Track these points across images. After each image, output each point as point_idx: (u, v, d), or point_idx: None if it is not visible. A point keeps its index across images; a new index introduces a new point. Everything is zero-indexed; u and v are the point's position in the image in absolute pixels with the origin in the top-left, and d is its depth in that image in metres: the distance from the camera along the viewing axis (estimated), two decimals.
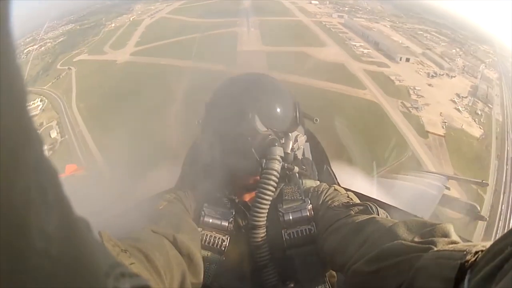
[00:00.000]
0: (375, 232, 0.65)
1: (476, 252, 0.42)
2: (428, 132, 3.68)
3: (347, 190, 0.93)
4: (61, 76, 3.72)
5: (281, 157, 0.84)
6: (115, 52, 4.17)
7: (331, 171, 1.20)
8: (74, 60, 4.10)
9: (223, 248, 0.85)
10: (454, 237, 0.53)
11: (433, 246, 0.51)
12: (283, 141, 0.90)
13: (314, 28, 5.26)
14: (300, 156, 0.99)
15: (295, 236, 0.85)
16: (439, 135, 3.61)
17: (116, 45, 4.44)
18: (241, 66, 3.91)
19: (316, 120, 1.01)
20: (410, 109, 3.86)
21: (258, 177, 0.84)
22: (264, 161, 0.83)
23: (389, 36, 5.39)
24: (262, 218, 0.84)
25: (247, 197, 0.92)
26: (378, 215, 0.76)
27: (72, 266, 0.18)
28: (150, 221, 0.77)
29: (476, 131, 3.65)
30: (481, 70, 4.96)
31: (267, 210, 0.83)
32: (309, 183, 0.97)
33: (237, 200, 0.91)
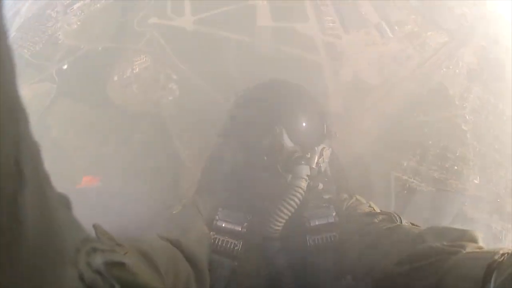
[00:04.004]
0: (405, 238, 0.67)
1: (503, 254, 0.46)
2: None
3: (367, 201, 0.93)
4: (147, 37, 4.20)
5: (307, 175, 0.84)
6: (179, 18, 4.72)
7: (350, 190, 1.11)
8: (148, 22, 4.56)
9: (236, 253, 0.84)
10: (481, 242, 0.58)
11: (462, 250, 0.54)
12: (309, 156, 0.89)
13: (307, 3, 5.87)
14: (323, 169, 0.97)
15: (320, 242, 0.84)
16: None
17: (176, 11, 4.98)
18: (262, 40, 4.63)
19: (335, 133, 0.99)
20: (337, 68, 4.49)
21: (282, 190, 0.83)
22: (290, 176, 0.84)
23: (359, 6, 5.76)
24: (277, 232, 0.85)
25: (267, 206, 0.90)
26: (402, 223, 0.77)
27: (41, 235, 0.19)
28: (161, 225, 0.79)
29: (374, 81, 4.15)
30: (428, 36, 5.16)
31: (283, 224, 0.84)
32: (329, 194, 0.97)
33: (256, 206, 0.91)
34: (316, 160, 0.91)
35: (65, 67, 3.54)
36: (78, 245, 0.24)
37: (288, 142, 0.86)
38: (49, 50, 3.90)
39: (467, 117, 4.36)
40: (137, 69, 3.41)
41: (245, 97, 1.02)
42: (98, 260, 0.25)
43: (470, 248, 0.54)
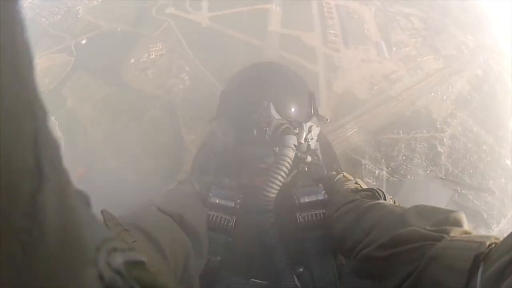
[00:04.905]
0: (386, 217, 0.64)
1: (490, 245, 0.43)
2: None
3: (355, 178, 0.94)
4: (164, 26, 4.11)
5: (294, 145, 0.84)
6: (196, 12, 4.69)
7: (339, 168, 1.13)
8: (166, 11, 4.46)
9: (229, 229, 0.85)
10: (466, 226, 0.54)
11: (446, 235, 0.51)
12: (297, 131, 0.91)
13: (315, 12, 6.08)
14: (313, 147, 0.98)
15: (309, 219, 0.85)
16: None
17: (194, 5, 4.96)
18: (269, 44, 4.84)
19: (326, 119, 1.00)
20: (331, 79, 4.74)
21: (271, 164, 0.84)
22: (278, 148, 0.84)
23: (363, 23, 5.99)
24: (270, 202, 0.84)
25: (258, 182, 0.89)
26: (385, 200, 0.76)
27: (61, 235, 0.18)
28: (159, 200, 0.78)
29: (363, 96, 4.39)
30: (423, 60, 5.46)
31: (275, 195, 0.83)
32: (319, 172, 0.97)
33: (247, 184, 0.91)
34: (304, 136, 0.93)
35: (84, 42, 3.62)
36: (99, 244, 0.24)
37: (276, 115, 0.88)
38: (68, 22, 3.97)
39: (445, 140, 4.72)
40: (153, 55, 3.55)
41: (236, 77, 1.04)
42: (118, 260, 0.24)
43: (454, 233, 0.52)
